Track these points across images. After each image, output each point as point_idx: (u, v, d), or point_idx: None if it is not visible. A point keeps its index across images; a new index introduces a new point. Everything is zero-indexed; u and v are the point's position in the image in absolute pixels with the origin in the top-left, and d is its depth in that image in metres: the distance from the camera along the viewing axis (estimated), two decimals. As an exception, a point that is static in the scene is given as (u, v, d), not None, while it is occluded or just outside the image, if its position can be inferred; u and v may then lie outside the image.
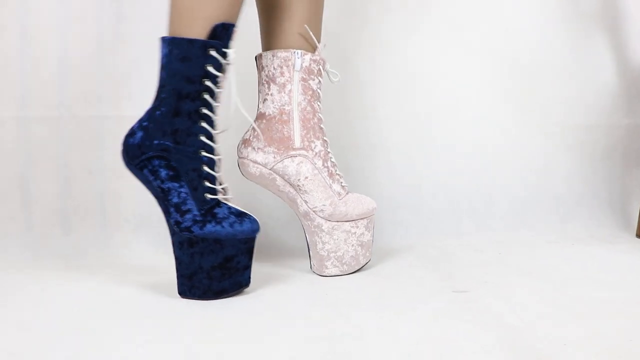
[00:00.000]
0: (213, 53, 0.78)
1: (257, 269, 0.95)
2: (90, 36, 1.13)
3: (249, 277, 0.82)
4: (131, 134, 0.80)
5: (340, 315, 0.72)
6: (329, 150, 0.94)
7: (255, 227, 0.81)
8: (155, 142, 0.78)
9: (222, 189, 0.82)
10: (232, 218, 0.80)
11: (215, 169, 0.80)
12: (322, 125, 0.94)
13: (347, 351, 0.61)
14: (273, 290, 0.84)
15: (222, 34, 0.78)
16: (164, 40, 0.79)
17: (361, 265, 0.94)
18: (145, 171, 0.79)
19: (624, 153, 1.31)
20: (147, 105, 1.14)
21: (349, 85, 1.21)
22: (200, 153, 0.79)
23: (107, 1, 1.13)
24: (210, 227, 0.78)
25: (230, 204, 0.82)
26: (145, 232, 1.12)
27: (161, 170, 0.78)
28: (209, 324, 0.70)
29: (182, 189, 0.78)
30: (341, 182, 0.93)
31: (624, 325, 0.68)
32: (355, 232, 0.92)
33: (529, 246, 1.12)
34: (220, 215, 0.79)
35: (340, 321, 0.70)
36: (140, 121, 0.80)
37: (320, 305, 0.77)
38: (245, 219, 0.81)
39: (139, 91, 1.15)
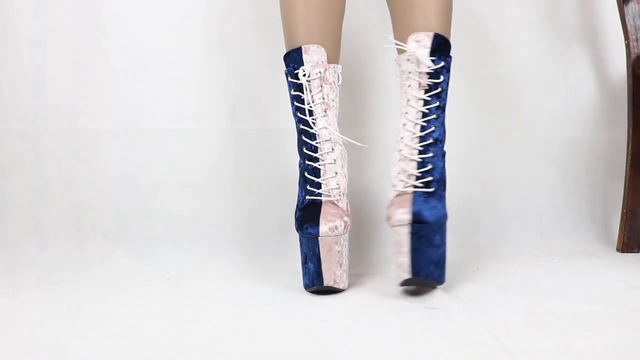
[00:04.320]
0: (289, 79, 0.93)
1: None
2: (68, 50, 1.13)
3: (314, 280, 0.86)
4: None
5: (309, 330, 0.72)
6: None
7: (312, 233, 0.85)
8: None
9: (328, 191, 0.89)
10: (305, 221, 0.87)
11: (320, 173, 0.89)
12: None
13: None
14: (245, 309, 0.83)
15: (288, 60, 0.92)
16: None
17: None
18: None
19: (605, 167, 1.31)
20: (123, 119, 1.15)
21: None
22: (304, 162, 0.91)
23: (85, 15, 1.14)
24: (295, 226, 0.89)
25: (329, 204, 0.88)
26: (122, 246, 1.11)
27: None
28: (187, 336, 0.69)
29: (300, 193, 0.91)
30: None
31: (596, 340, 0.67)
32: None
33: (510, 261, 1.11)
34: (301, 216, 0.88)
35: (308, 337, 0.69)
36: None
37: (289, 321, 0.76)
38: (308, 225, 0.86)
39: (115, 105, 1.14)
